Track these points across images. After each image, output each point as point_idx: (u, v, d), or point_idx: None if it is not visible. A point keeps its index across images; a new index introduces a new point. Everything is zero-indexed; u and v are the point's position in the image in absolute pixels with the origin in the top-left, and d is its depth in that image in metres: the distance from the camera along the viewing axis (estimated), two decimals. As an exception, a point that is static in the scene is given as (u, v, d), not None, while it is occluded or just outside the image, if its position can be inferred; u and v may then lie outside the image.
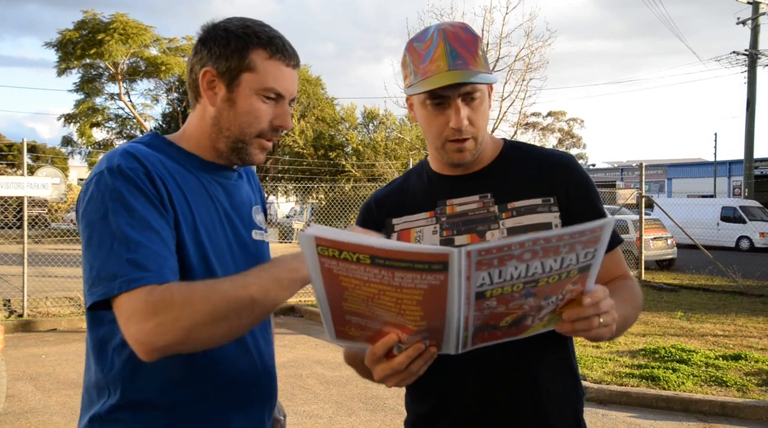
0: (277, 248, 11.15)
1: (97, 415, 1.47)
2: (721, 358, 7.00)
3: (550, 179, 1.65)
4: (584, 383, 6.16)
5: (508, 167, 1.68)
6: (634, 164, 48.45)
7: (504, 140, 1.77)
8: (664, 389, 6.05)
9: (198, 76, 1.55)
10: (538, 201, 1.62)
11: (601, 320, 1.26)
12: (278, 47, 1.54)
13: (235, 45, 1.52)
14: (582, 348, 7.53)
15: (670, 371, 6.48)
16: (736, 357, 7.01)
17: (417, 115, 1.64)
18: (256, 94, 1.53)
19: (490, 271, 1.13)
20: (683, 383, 6.15)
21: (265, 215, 1.85)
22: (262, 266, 1.41)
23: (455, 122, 1.54)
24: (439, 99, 1.54)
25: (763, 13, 28.68)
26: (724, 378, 6.24)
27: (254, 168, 1.86)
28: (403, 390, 1.80)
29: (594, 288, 1.26)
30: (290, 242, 19.90)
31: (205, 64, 1.54)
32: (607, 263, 1.58)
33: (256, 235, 1.68)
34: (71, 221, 30.39)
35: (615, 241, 1.66)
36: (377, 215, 1.76)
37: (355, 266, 1.14)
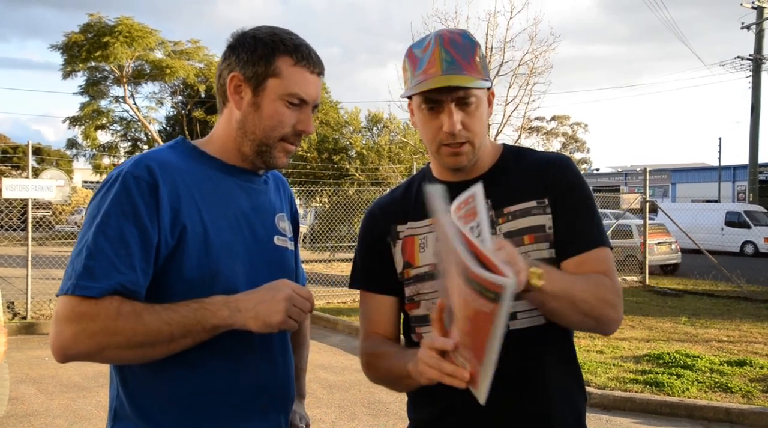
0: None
1: (113, 411, 1.57)
2: (725, 364, 6.97)
3: (542, 180, 1.66)
4: (588, 388, 6.14)
5: (506, 172, 1.70)
6: (638, 169, 48.35)
7: (504, 145, 1.79)
8: (669, 395, 6.02)
9: (226, 81, 1.61)
10: (533, 203, 1.64)
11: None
12: (303, 55, 1.60)
13: (262, 51, 1.58)
14: (586, 353, 7.51)
15: (675, 377, 6.46)
16: (741, 363, 6.98)
17: (416, 118, 1.66)
18: (281, 99, 1.58)
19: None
20: (688, 389, 6.12)
21: (297, 226, 1.88)
22: (192, 304, 1.45)
23: (448, 126, 1.56)
24: (433, 103, 1.57)
25: (767, 18, 28.63)
26: (729, 384, 6.22)
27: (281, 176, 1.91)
28: (406, 395, 1.81)
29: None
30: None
31: (232, 69, 1.60)
32: (579, 261, 1.59)
33: (278, 241, 1.71)
34: (75, 223, 30.43)
35: (591, 242, 1.62)
36: (382, 221, 1.77)
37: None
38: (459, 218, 1.17)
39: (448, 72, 1.53)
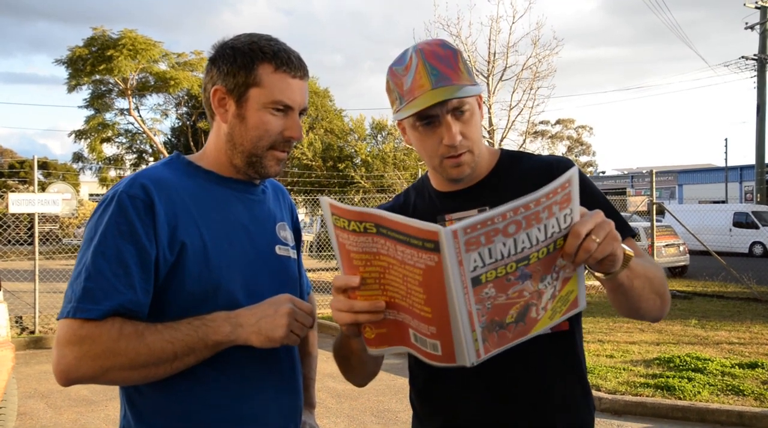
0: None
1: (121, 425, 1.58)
2: (737, 366, 6.91)
3: (545, 182, 1.61)
4: (598, 393, 6.10)
5: (504, 178, 1.68)
6: (644, 171, 48.34)
7: (501, 150, 1.76)
8: (680, 399, 5.97)
9: (210, 95, 1.60)
10: None
11: (593, 237, 1.21)
12: (283, 60, 1.57)
13: (241, 61, 1.56)
14: (596, 357, 7.47)
15: (686, 380, 6.41)
16: (753, 365, 6.92)
17: (410, 138, 1.63)
18: (265, 107, 1.56)
19: (480, 251, 1.14)
20: (699, 392, 6.07)
21: (299, 234, 1.87)
22: (194, 321, 1.44)
23: (448, 138, 1.53)
24: (429, 119, 1.54)
25: (772, 18, 28.56)
26: (741, 387, 6.16)
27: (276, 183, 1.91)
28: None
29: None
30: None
31: (215, 82, 1.59)
32: None
33: (280, 250, 1.70)
34: (83, 236, 30.50)
35: (623, 231, 1.56)
36: None
37: (363, 238, 1.20)
38: (555, 204, 1.18)
39: (438, 85, 1.50)
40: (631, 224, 16.51)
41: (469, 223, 1.11)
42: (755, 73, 29.47)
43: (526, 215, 1.14)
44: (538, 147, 42.37)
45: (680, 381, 6.35)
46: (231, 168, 1.64)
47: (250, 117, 1.57)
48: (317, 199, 18.86)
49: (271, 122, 1.58)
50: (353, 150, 23.65)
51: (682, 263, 16.84)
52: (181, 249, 1.47)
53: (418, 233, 1.12)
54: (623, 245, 1.32)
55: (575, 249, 1.21)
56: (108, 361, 1.36)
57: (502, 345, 1.28)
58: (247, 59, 1.56)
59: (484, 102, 1.67)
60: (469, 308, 1.17)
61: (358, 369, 1.62)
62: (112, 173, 33.18)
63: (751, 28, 29.64)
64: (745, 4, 28.89)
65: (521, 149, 14.28)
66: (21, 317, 10.28)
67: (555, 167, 1.65)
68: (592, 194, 1.63)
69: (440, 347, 1.24)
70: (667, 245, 16.15)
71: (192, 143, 30.87)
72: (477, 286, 1.17)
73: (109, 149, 32.98)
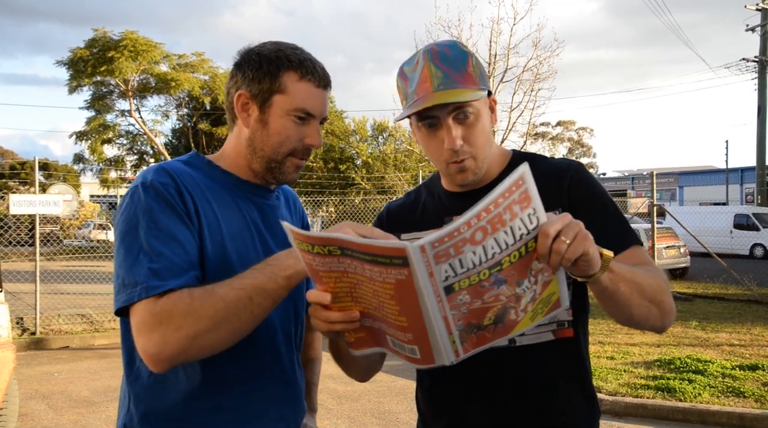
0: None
1: (122, 426, 1.57)
2: (737, 368, 6.91)
3: (554, 189, 1.60)
4: (599, 395, 6.07)
5: None
6: (644, 173, 48.30)
7: (513, 151, 1.74)
8: (681, 400, 5.97)
9: (233, 99, 1.62)
10: None
11: (563, 238, 1.18)
12: (308, 69, 1.60)
13: (267, 68, 1.59)
14: (596, 359, 7.47)
15: (686, 382, 6.41)
16: (753, 367, 6.92)
17: (417, 138, 1.63)
18: (287, 114, 1.59)
19: (450, 262, 1.13)
20: (700, 394, 6.07)
21: None
22: (257, 266, 1.44)
23: (448, 142, 1.52)
24: (431, 120, 1.53)
25: (772, 20, 28.56)
26: (742, 389, 6.16)
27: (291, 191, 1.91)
28: (415, 406, 1.79)
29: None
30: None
31: (239, 87, 1.61)
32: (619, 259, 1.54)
33: None
34: (83, 237, 30.55)
35: (625, 241, 1.56)
36: (388, 226, 1.75)
37: (329, 259, 1.19)
38: (514, 203, 1.15)
39: (441, 88, 1.48)
40: (633, 226, 16.48)
41: (435, 237, 1.10)
42: (756, 75, 29.45)
43: (489, 219, 1.13)
44: (538, 148, 42.33)
45: (681, 383, 6.35)
46: (249, 172, 1.66)
47: (273, 123, 1.59)
48: (319, 200, 18.89)
49: (292, 129, 1.60)
50: (354, 151, 23.66)
51: (683, 265, 16.82)
52: (203, 241, 1.50)
53: (385, 252, 1.11)
54: (603, 248, 1.28)
55: (547, 250, 1.18)
56: (191, 328, 1.34)
57: (482, 344, 1.27)
58: (273, 66, 1.58)
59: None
60: (444, 314, 1.17)
61: (352, 365, 1.63)
62: (113, 175, 33.16)
63: (752, 30, 29.63)
64: (745, 6, 28.89)
65: (526, 151, 14.26)
66: (22, 319, 10.27)
67: (566, 170, 1.63)
68: (598, 196, 1.62)
69: (418, 351, 1.25)
70: (667, 247, 16.14)
71: (193, 145, 30.82)
72: (450, 294, 1.16)
73: (109, 151, 32.92)
